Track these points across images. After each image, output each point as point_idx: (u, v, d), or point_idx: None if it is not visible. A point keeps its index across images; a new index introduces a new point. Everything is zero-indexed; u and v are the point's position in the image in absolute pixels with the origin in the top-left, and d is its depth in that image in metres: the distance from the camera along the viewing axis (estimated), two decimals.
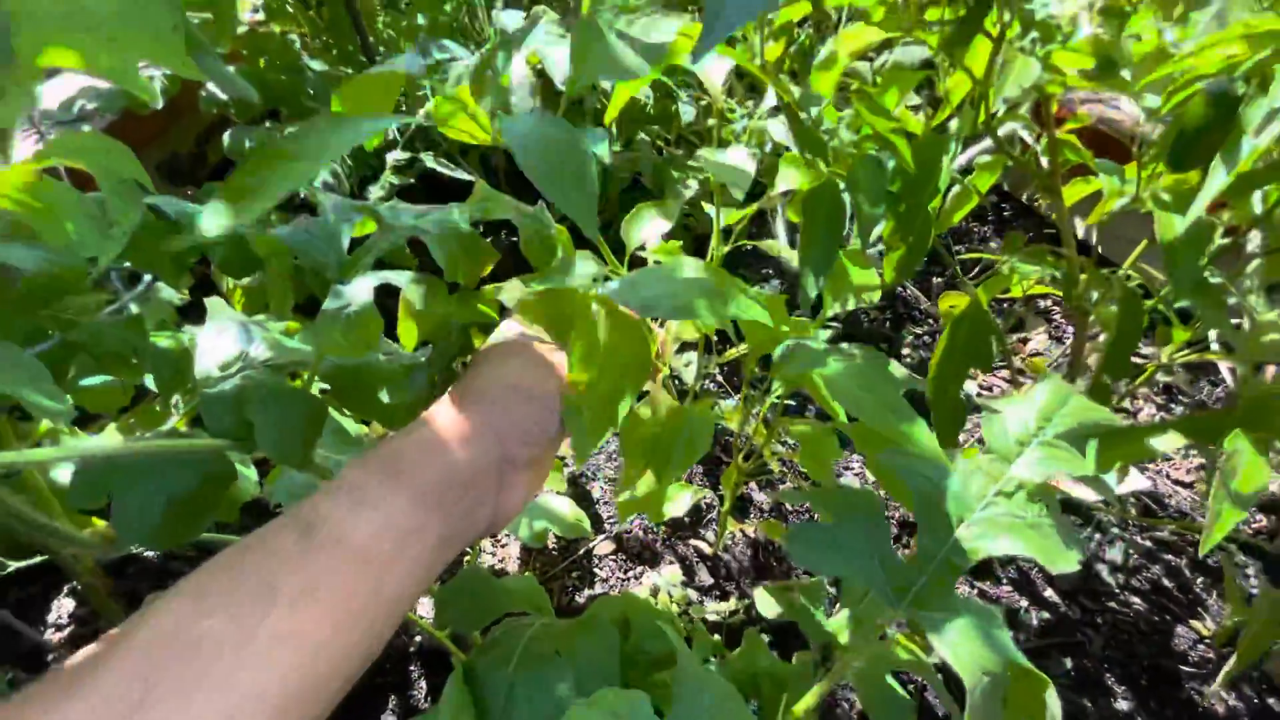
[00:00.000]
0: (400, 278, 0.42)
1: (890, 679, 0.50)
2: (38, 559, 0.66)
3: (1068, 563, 0.34)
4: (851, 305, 0.46)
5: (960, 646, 0.33)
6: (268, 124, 1.09)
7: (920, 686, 0.65)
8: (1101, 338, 0.51)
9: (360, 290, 0.39)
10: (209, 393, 0.44)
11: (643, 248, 0.48)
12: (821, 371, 0.32)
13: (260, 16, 1.28)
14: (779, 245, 0.56)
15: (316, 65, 1.08)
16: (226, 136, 1.08)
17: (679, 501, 0.58)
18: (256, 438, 0.42)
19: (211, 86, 1.17)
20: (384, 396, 0.46)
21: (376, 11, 1.22)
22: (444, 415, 0.34)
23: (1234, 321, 0.52)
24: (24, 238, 0.39)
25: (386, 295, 0.41)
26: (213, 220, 0.28)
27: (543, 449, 0.36)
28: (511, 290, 0.41)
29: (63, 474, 0.67)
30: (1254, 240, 0.55)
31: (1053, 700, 0.34)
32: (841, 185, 0.41)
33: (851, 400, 0.30)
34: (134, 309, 0.57)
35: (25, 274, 0.37)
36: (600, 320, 0.33)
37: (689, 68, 0.51)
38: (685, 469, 0.32)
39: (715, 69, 0.51)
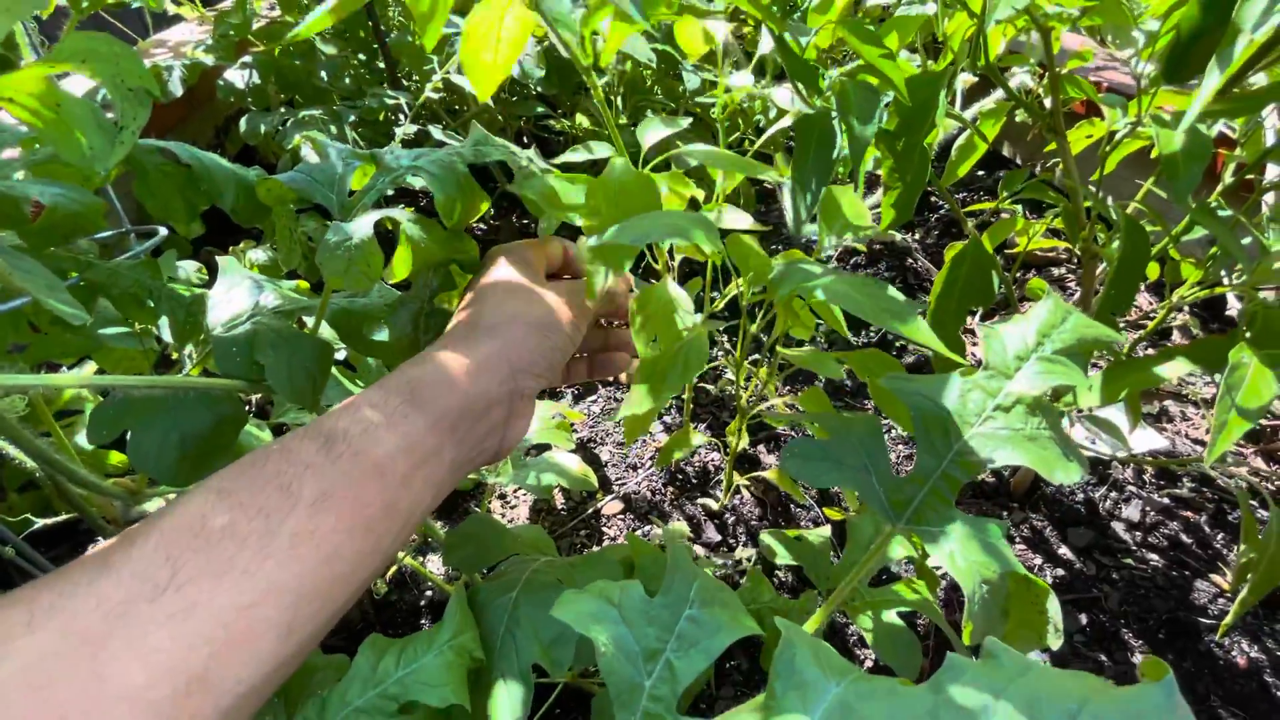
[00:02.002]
0: (400, 214, 0.43)
1: (897, 619, 0.50)
2: (65, 517, 0.69)
3: (1067, 473, 0.34)
4: (848, 238, 0.46)
5: (958, 556, 0.33)
6: (283, 110, 1.12)
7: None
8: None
9: (362, 226, 0.40)
10: (221, 335, 0.45)
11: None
12: (821, 281, 0.32)
13: (277, 13, 1.31)
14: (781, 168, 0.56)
15: (329, 50, 1.10)
16: (243, 122, 1.10)
17: (679, 449, 0.58)
18: (268, 378, 0.43)
19: (229, 76, 1.20)
20: (378, 336, 0.47)
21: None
22: (459, 346, 0.35)
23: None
24: (42, 175, 0.40)
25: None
26: None
27: (548, 380, 0.38)
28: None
29: (84, 438, 0.70)
30: (1271, 172, 0.54)
31: (1054, 609, 0.33)
32: (833, 112, 0.41)
33: (851, 303, 0.30)
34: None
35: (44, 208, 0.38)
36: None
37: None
38: (679, 388, 0.33)
39: (717, 30, 0.52)
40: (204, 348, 0.53)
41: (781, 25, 0.40)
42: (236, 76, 1.15)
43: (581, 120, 1.06)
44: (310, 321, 0.49)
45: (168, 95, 1.13)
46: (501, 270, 0.41)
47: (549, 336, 0.37)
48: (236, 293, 0.51)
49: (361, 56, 1.14)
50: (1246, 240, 0.50)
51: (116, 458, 0.71)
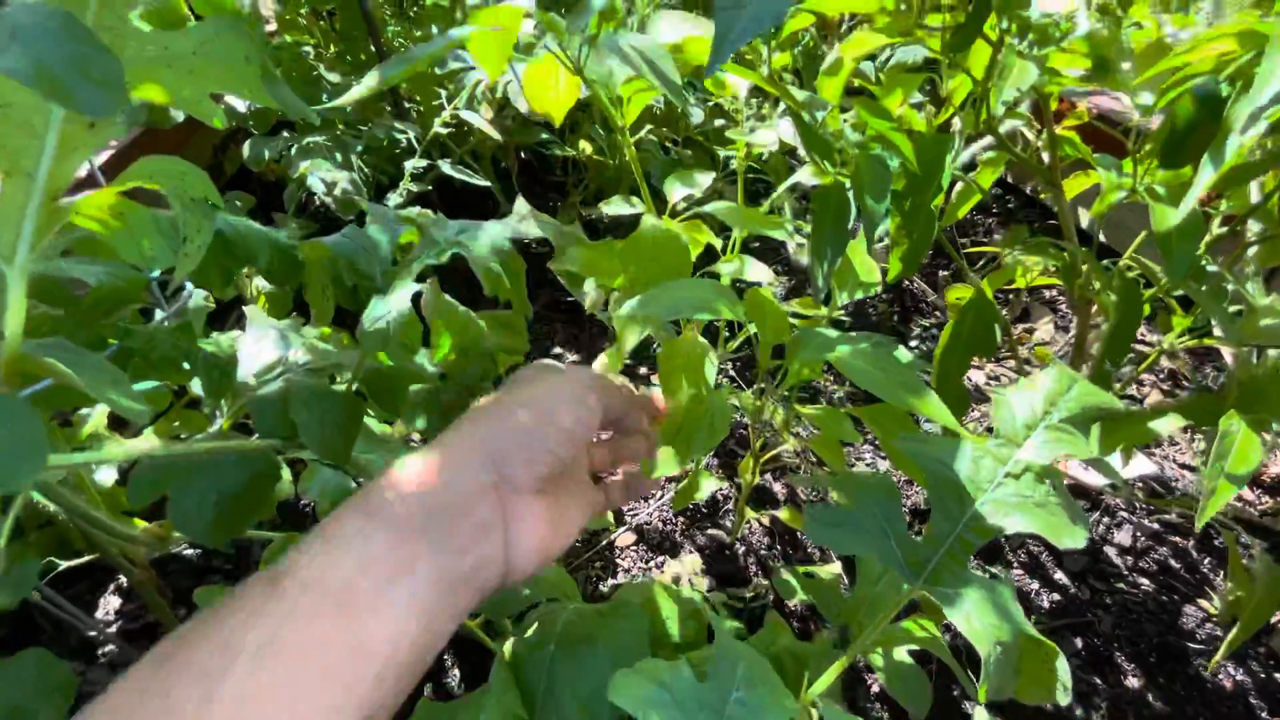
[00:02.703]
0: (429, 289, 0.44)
1: (907, 656, 0.52)
2: (86, 558, 0.70)
3: (1074, 538, 0.36)
4: (858, 295, 0.48)
5: (974, 618, 0.35)
6: (284, 134, 1.12)
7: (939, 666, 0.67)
8: (1104, 325, 0.53)
9: (400, 300, 0.42)
10: (257, 395, 0.47)
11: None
12: (837, 353, 0.34)
13: (273, 27, 1.31)
14: (786, 226, 0.58)
15: (333, 77, 1.11)
16: (246, 147, 1.11)
17: (703, 489, 0.60)
18: (302, 436, 0.45)
19: (229, 99, 1.20)
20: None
21: (385, 21, 1.25)
22: (437, 442, 0.30)
23: (1233, 309, 0.54)
24: (86, 255, 0.42)
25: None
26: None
27: (549, 468, 0.31)
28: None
29: (104, 475, 0.70)
30: (1252, 228, 0.57)
31: (1063, 668, 0.36)
32: (847, 184, 0.43)
33: (866, 377, 0.32)
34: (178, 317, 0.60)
35: (90, 287, 0.40)
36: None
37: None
38: (707, 451, 0.35)
39: (737, 83, 0.55)
40: (235, 402, 0.55)
41: (800, 105, 0.42)
42: (237, 99, 1.16)
43: (584, 146, 1.08)
44: (337, 374, 0.51)
45: (169, 120, 1.13)
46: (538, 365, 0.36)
47: (543, 416, 0.31)
48: (264, 344, 0.53)
49: None
50: (1232, 287, 0.53)
51: (137, 520, 0.72)
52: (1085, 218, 1.09)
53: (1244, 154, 0.32)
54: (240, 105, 1.16)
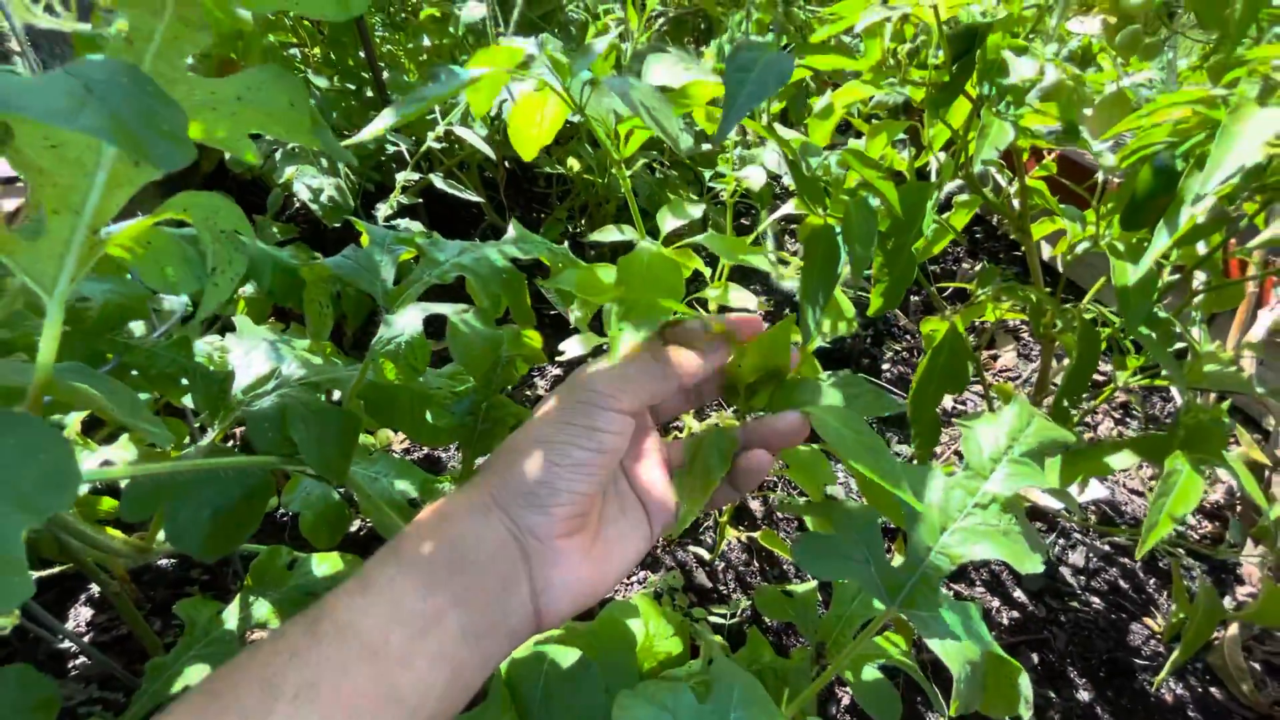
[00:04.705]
0: (450, 309, 0.46)
1: (877, 672, 0.55)
2: (56, 568, 0.68)
3: (1034, 564, 0.39)
4: (842, 331, 0.51)
5: (947, 639, 0.38)
6: (270, 139, 1.11)
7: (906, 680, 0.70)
8: (1065, 360, 0.56)
9: (410, 320, 0.43)
10: (253, 410, 0.47)
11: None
12: (817, 410, 0.36)
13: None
14: (769, 257, 0.61)
15: (320, 81, 1.10)
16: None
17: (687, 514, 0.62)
18: (301, 452, 0.45)
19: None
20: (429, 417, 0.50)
21: (373, 29, 1.25)
22: (466, 488, 0.31)
23: (1180, 346, 0.58)
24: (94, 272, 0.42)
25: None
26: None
27: (573, 507, 0.30)
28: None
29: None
30: (1199, 278, 0.62)
31: (1025, 684, 0.39)
32: (836, 228, 0.46)
33: (840, 442, 0.34)
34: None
35: (96, 303, 0.40)
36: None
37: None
38: (713, 485, 0.36)
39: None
40: (228, 416, 0.55)
41: (795, 152, 0.45)
42: (231, 152, 1.14)
43: (572, 163, 1.09)
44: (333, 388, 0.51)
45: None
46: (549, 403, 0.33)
47: (552, 456, 0.29)
48: (255, 355, 0.53)
49: (351, 88, 1.14)
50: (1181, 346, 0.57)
51: (109, 504, 0.71)
52: (1047, 252, 1.16)
53: (1194, 222, 0.35)
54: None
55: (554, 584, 0.30)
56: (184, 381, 0.48)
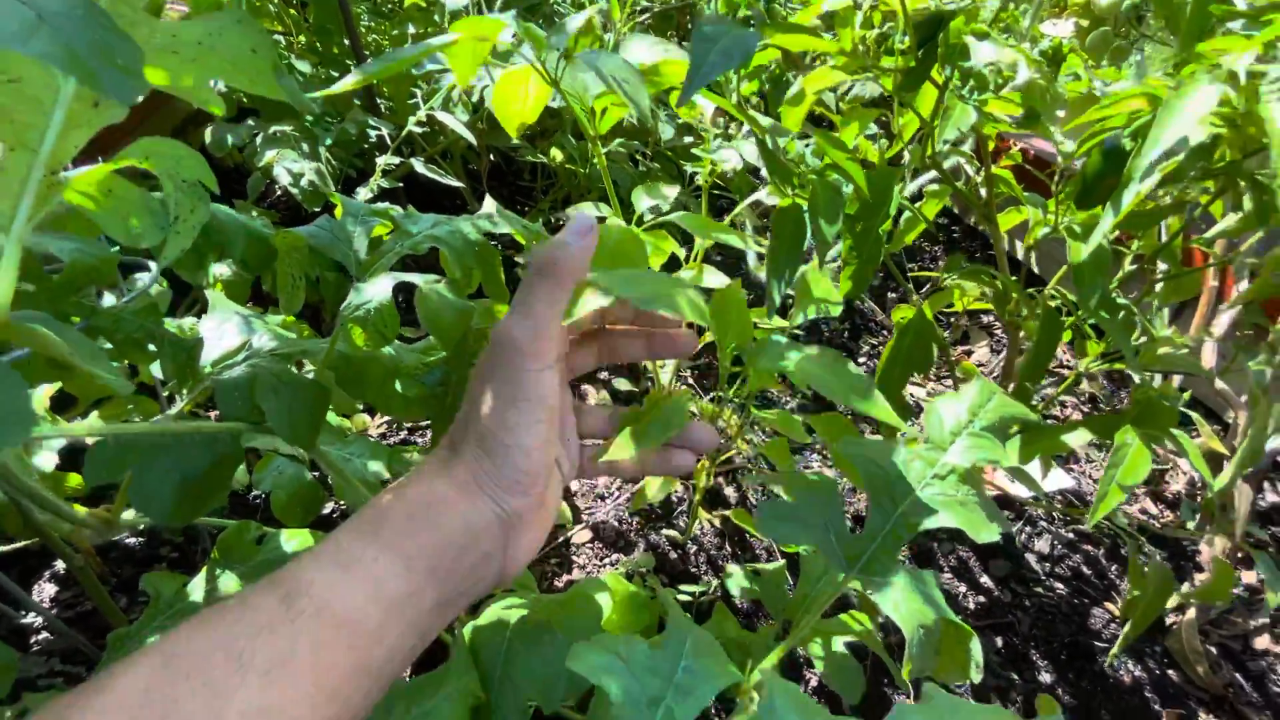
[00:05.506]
0: (420, 279, 0.46)
1: (844, 648, 0.56)
2: (19, 544, 0.67)
3: (990, 533, 0.40)
4: (814, 314, 0.52)
5: (901, 604, 0.39)
6: (250, 121, 1.10)
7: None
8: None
9: (381, 289, 0.43)
10: (222, 379, 0.47)
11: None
12: (793, 360, 0.37)
13: None
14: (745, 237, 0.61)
15: (303, 67, 1.10)
16: (209, 132, 1.09)
17: (653, 488, 0.63)
18: (269, 421, 0.45)
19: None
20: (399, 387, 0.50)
21: (359, 16, 1.25)
22: (437, 471, 0.31)
23: (1144, 339, 0.60)
24: (58, 230, 0.41)
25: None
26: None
27: (544, 486, 0.32)
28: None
29: (44, 459, 0.68)
30: (1161, 267, 0.63)
31: (975, 648, 0.40)
32: (805, 207, 0.47)
33: (818, 381, 0.35)
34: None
35: (61, 263, 0.40)
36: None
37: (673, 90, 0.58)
38: (658, 442, 0.37)
39: (705, 104, 0.59)
40: (196, 386, 0.54)
41: (764, 130, 0.46)
42: (195, 101, 1.13)
43: (555, 154, 1.10)
44: (306, 362, 0.51)
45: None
46: (487, 365, 0.33)
47: (532, 447, 0.31)
48: (227, 328, 0.53)
49: (334, 74, 1.14)
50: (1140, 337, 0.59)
51: (75, 480, 0.70)
52: (1020, 250, 1.18)
53: (1141, 199, 0.37)
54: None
55: (520, 548, 0.32)
56: (151, 348, 0.48)
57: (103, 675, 0.22)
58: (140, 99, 0.22)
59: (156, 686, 0.21)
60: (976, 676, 0.39)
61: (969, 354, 1.12)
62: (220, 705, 0.21)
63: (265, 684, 0.22)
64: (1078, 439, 0.50)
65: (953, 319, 1.17)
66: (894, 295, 1.22)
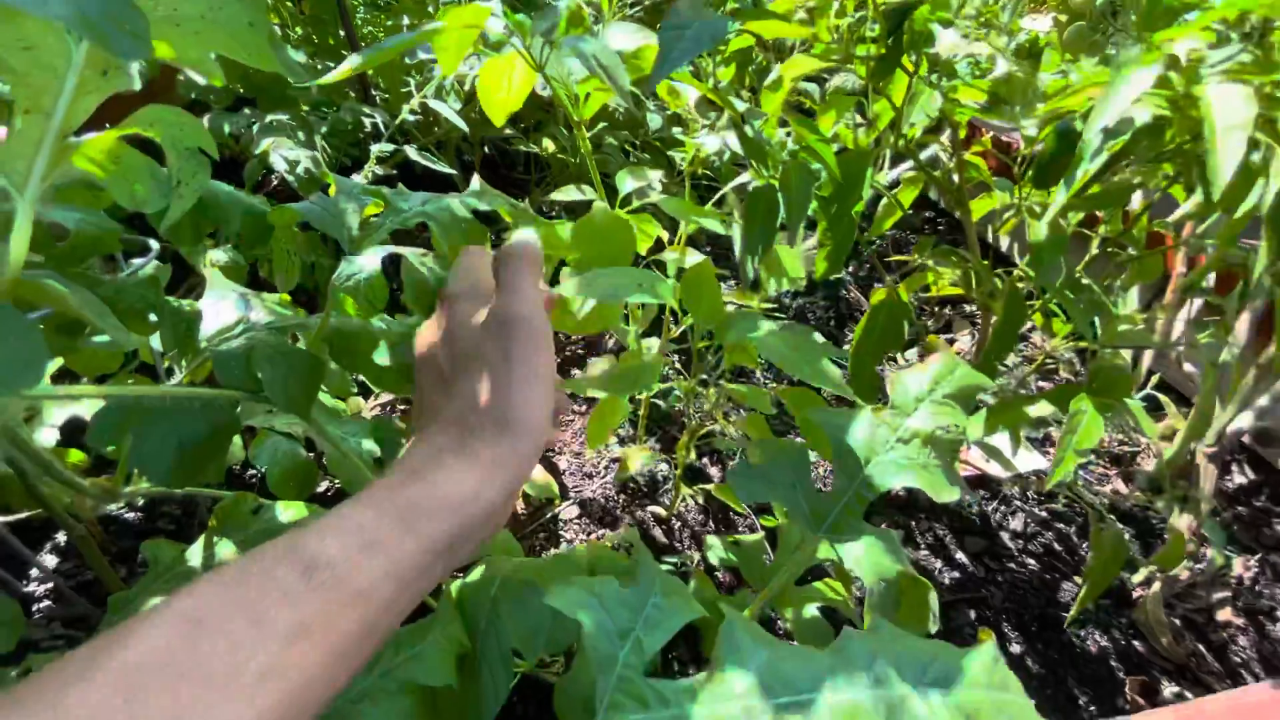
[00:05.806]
0: (408, 252, 0.48)
1: (816, 612, 0.58)
2: (22, 514, 0.69)
3: (950, 494, 0.43)
4: (785, 286, 0.54)
5: (864, 559, 0.41)
6: (246, 110, 1.12)
7: None
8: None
9: (370, 261, 0.45)
10: (221, 349, 0.49)
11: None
12: (759, 334, 0.39)
13: None
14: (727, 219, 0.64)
15: (299, 57, 1.12)
16: (206, 120, 1.10)
17: (635, 462, 0.65)
18: (266, 389, 0.47)
19: (190, 72, 1.19)
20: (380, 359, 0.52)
21: (354, 8, 1.26)
22: (459, 458, 0.33)
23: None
24: (64, 201, 0.43)
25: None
26: None
27: (542, 448, 0.35)
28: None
29: (45, 435, 0.70)
30: (1129, 250, 0.66)
31: (933, 600, 0.42)
32: (778, 188, 0.49)
33: (779, 355, 0.37)
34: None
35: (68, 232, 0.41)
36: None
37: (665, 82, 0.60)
38: (628, 392, 0.39)
39: (688, 92, 0.61)
40: (196, 358, 0.56)
41: (739, 114, 0.48)
42: (196, 74, 1.15)
43: (547, 144, 1.12)
44: (302, 335, 0.53)
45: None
46: (494, 343, 0.35)
47: (532, 433, 0.34)
48: (224, 305, 0.55)
49: (330, 65, 1.15)
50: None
51: (76, 455, 0.72)
52: (1005, 241, 1.20)
53: (1089, 176, 0.39)
54: (200, 79, 1.16)
55: (506, 516, 0.35)
56: (152, 319, 0.49)
57: (121, 630, 0.23)
58: (144, 75, 0.24)
59: (182, 645, 0.23)
60: (933, 627, 0.41)
61: (952, 342, 1.15)
62: (242, 660, 0.23)
63: (284, 645, 0.24)
64: (1040, 410, 0.52)
65: (936, 308, 1.20)
66: (879, 285, 1.25)
